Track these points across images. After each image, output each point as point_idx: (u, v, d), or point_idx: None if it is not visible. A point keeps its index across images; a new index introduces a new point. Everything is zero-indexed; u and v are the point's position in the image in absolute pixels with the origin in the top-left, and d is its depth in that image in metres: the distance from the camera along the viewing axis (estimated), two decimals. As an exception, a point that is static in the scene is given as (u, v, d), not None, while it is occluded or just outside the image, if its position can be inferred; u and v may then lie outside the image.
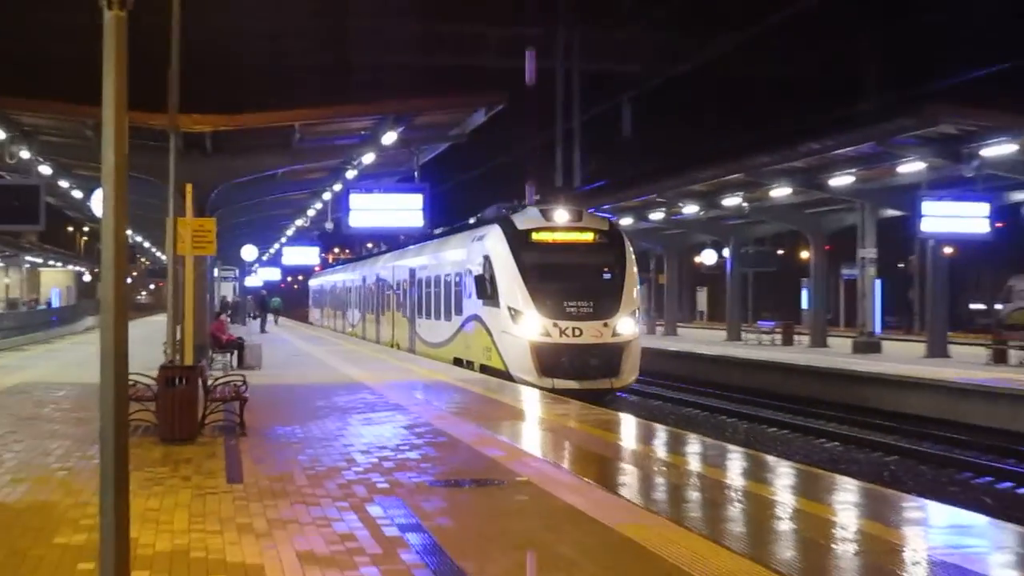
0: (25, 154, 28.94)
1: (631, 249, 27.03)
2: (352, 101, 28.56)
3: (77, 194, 37.42)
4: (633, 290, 25.93)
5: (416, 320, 36.94)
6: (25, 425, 16.68)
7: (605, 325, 24.36)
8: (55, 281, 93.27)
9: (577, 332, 24.21)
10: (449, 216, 43.06)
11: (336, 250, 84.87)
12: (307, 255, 74.19)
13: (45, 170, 30.84)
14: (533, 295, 24.44)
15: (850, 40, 45.15)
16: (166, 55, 16.85)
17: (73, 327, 61.73)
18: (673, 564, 8.19)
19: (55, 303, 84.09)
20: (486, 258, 26.29)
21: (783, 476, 13.13)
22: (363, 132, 29.72)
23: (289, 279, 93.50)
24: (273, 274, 79.63)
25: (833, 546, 8.78)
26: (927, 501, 12.16)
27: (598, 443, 15.75)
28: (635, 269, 26.99)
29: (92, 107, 7.57)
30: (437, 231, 38.53)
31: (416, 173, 36.44)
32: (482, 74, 44.38)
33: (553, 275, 25.23)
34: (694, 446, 15.51)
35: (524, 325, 24.02)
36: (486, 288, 26.11)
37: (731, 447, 15.85)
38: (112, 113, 6.71)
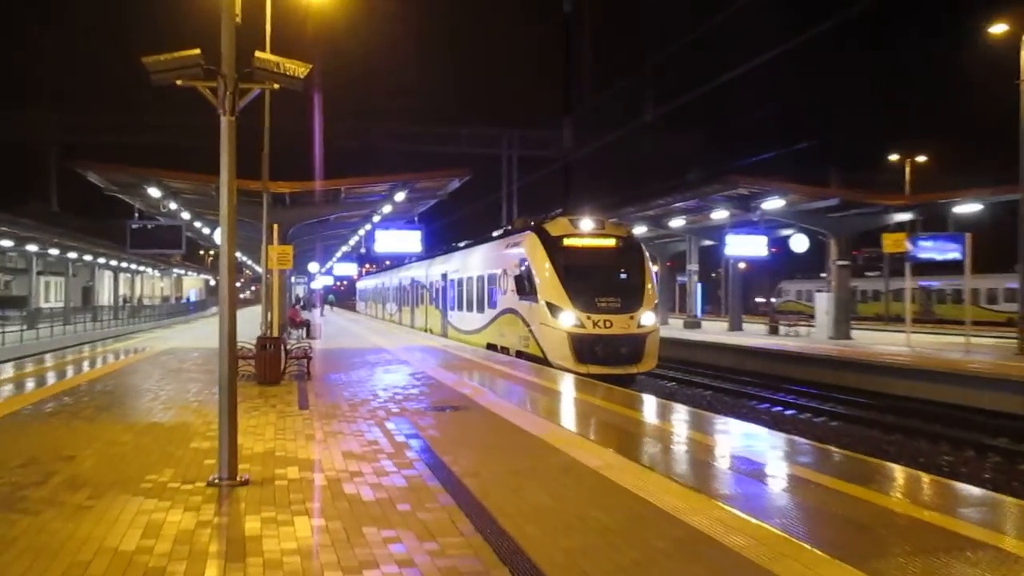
0: (173, 205, 35.77)
1: (647, 253, 26.21)
2: (375, 175, 36.49)
3: (206, 230, 45.66)
4: (652, 288, 24.85)
5: (448, 312, 36.10)
6: (172, 374, 19.24)
7: (631, 318, 23.14)
8: (192, 284, 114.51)
9: (608, 324, 22.80)
10: (439, 243, 51.88)
11: (368, 265, 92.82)
12: (349, 268, 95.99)
13: (185, 215, 37.87)
14: (568, 292, 23.20)
15: (684, 134, 63.35)
16: (261, 144, 20.34)
17: (203, 313, 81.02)
18: (567, 453, 9.95)
19: (192, 298, 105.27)
20: (523, 260, 25.07)
21: (648, 404, 14.81)
22: (383, 193, 36.65)
23: (339, 284, 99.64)
24: (328, 280, 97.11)
25: (671, 446, 10.35)
26: (731, 419, 14.10)
27: (535, 386, 17.44)
28: (653, 269, 26.32)
29: (214, 176, 9.28)
30: (461, 244, 39.40)
31: (416, 218, 45.56)
32: (456, 158, 61.13)
33: (584, 275, 23.87)
34: (599, 390, 16.61)
35: (562, 318, 22.75)
36: (524, 286, 24.75)
37: (621, 391, 16.56)
38: (226, 180, 8.61)
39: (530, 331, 24.30)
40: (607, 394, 15.57)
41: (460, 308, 33.83)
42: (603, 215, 31.35)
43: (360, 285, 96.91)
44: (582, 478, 8.59)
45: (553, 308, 23.13)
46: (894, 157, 58.26)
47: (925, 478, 9.00)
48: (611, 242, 25.04)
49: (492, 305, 28.32)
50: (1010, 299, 49.83)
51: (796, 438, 11.60)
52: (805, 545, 6.34)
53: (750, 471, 9.08)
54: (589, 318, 22.79)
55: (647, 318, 23.51)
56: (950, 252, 31.05)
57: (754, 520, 6.98)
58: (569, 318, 22.77)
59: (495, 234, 33.06)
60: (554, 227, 25.34)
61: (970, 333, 30.75)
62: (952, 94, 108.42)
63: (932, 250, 31.85)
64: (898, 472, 9.16)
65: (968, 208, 35.87)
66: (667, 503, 7.54)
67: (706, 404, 23.30)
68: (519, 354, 25.16)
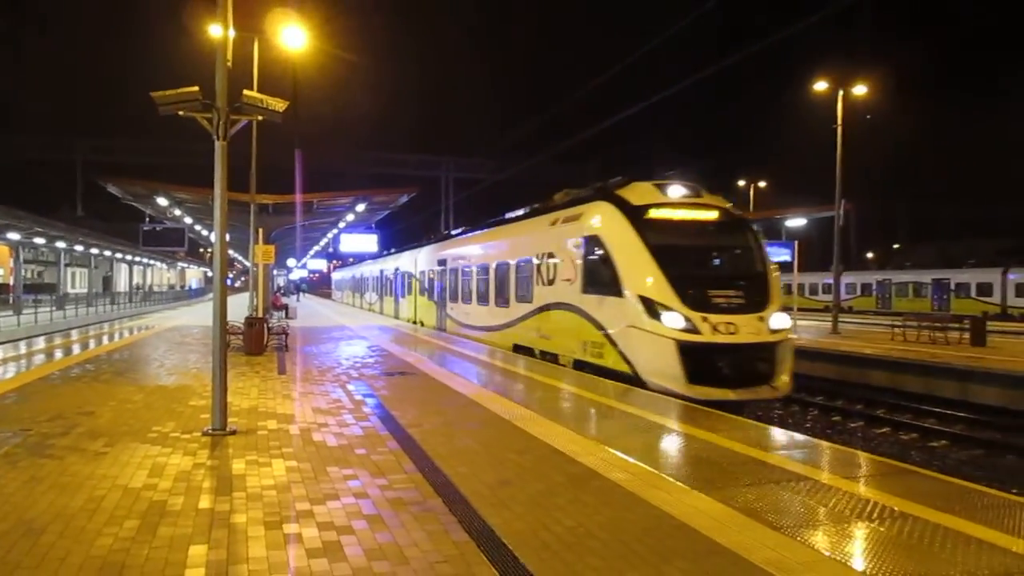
0: (177, 212, 36.31)
1: (758, 230, 15.92)
2: (341, 191, 36.98)
3: (204, 232, 46.24)
4: (777, 278, 14.73)
5: (448, 304, 25.44)
6: (176, 347, 18.74)
7: (760, 319, 13.22)
8: (193, 275, 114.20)
9: (731, 328, 13.00)
10: (392, 244, 53.26)
11: (335, 261, 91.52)
12: (321, 264, 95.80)
13: (187, 220, 38.74)
14: (672, 283, 13.27)
15: (584, 163, 64.41)
16: (249, 163, 20.28)
17: (202, 299, 76.71)
18: (489, 409, 10.01)
19: (193, 287, 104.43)
20: (592, 240, 14.86)
21: (555, 370, 14.16)
22: (347, 204, 37.04)
23: (312, 275, 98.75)
24: (303, 272, 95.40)
25: (571, 403, 8.53)
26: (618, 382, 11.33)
27: (467, 357, 17.07)
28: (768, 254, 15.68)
29: (210, 189, 9.14)
30: (456, 232, 29.29)
31: (373, 224, 49.09)
32: (405, 178, 65.04)
33: (687, 259, 14.12)
34: (519, 361, 16.22)
35: (666, 320, 12.89)
36: (597, 274, 14.57)
37: (539, 362, 15.76)
38: (219, 192, 8.46)
39: (606, 336, 14.03)
40: (527, 364, 15.49)
41: (467, 300, 23.12)
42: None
43: (336, 276, 79.89)
44: (501, 428, 8.62)
45: (651, 305, 13.11)
46: (741, 182, 59.73)
47: (765, 427, 9.09)
48: (713, 214, 14.93)
49: (523, 297, 18.06)
50: (827, 291, 51.21)
51: (665, 398, 11.21)
52: (669, 478, 6.48)
53: (632, 424, 9.18)
54: (706, 320, 12.84)
55: (779, 320, 13.42)
56: (783, 255, 31.81)
57: (632, 460, 7.09)
58: (676, 320, 12.85)
59: (518, 213, 21.73)
60: (634, 193, 14.92)
61: (796, 317, 31.34)
62: (787, 134, 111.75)
63: (769, 254, 32.35)
64: (743, 422, 9.30)
65: (796, 222, 37.27)
66: (567, 447, 7.61)
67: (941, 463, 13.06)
68: (580, 365, 14.90)
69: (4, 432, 8.09)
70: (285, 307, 34.74)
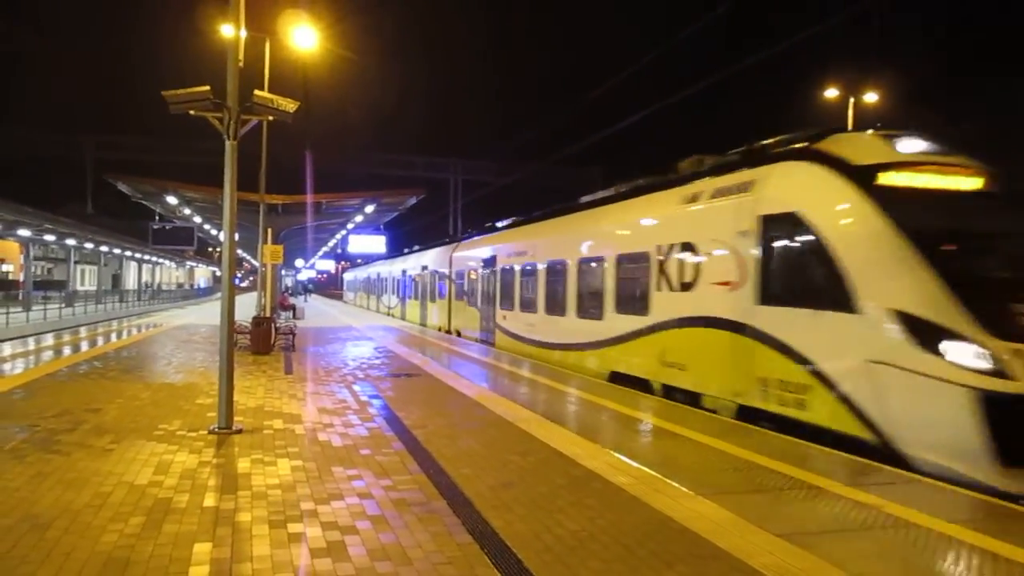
0: (187, 211, 35.99)
1: None
2: (350, 191, 35.87)
3: (213, 232, 45.76)
4: None
5: (499, 312, 20.23)
6: (183, 345, 18.81)
7: None
8: (202, 274, 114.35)
9: None
10: (401, 246, 49.68)
11: (344, 263, 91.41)
12: (329, 264, 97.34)
13: (197, 219, 38.62)
14: (956, 291, 7.48)
15: (584, 167, 59.96)
16: (259, 163, 20.78)
17: (210, 298, 75.04)
18: (494, 411, 9.95)
19: (201, 286, 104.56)
20: (787, 221, 9.39)
21: (559, 374, 12.47)
22: (356, 206, 36.55)
23: (320, 275, 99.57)
24: (311, 273, 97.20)
25: (575, 407, 8.26)
26: (625, 388, 10.22)
27: (471, 359, 16.97)
28: None
29: (219, 189, 9.18)
30: (504, 223, 22.89)
31: (381, 226, 48.56)
32: (414, 180, 62.49)
33: (968, 253, 8.37)
34: (521, 363, 16.15)
35: (951, 352, 7.17)
36: (800, 274, 9.10)
37: (541, 365, 15.10)
38: (229, 192, 8.53)
39: (814, 375, 8.68)
40: (531, 367, 15.36)
41: (528, 308, 18.02)
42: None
43: (348, 276, 73.54)
44: (505, 430, 8.63)
45: (921, 328, 7.55)
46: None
47: (768, 433, 8.90)
48: (979, 181, 9.20)
49: (631, 307, 13.07)
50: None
51: (668, 402, 11.05)
52: (672, 482, 6.47)
53: (636, 427, 9.20)
54: (1021, 354, 7.09)
55: None
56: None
57: (635, 464, 7.09)
58: (971, 353, 7.20)
59: (607, 193, 15.78)
60: (852, 149, 9.31)
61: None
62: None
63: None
64: (749, 428, 9.18)
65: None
66: (570, 450, 7.61)
67: None
68: (749, 412, 9.84)
69: (11, 427, 8.13)
70: (293, 307, 34.91)
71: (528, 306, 18.13)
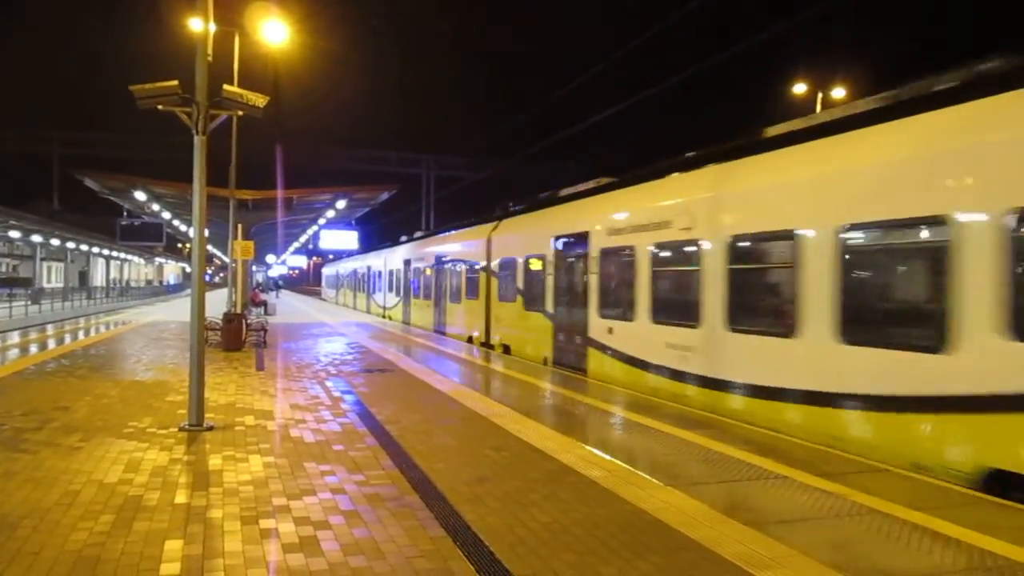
0: (156, 207, 35.74)
1: None
2: (322, 187, 36.53)
3: (183, 228, 46.22)
4: None
5: (598, 319, 13.14)
6: (153, 342, 18.71)
7: None
8: (171, 270, 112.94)
9: None
10: (374, 242, 50.39)
11: (315, 258, 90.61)
12: (301, 261, 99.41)
13: (166, 215, 38.32)
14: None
15: (564, 162, 58.36)
16: (229, 159, 20.58)
17: (180, 294, 73.58)
18: (467, 406, 10.01)
19: (171, 282, 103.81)
20: None
21: (532, 368, 11.72)
22: (328, 201, 35.85)
23: (292, 271, 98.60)
24: (283, 269, 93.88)
25: (548, 400, 8.20)
26: (597, 381, 10.00)
27: (444, 353, 16.94)
28: None
29: (189, 184, 9.07)
30: (605, 182, 15.20)
31: (353, 221, 48.26)
32: (386, 175, 59.54)
33: None
34: (494, 358, 16.20)
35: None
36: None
37: (513, 359, 15.16)
38: (199, 188, 8.48)
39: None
40: (505, 362, 15.41)
41: (674, 317, 11.02)
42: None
43: (327, 271, 64.30)
44: (478, 425, 8.65)
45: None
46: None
47: (738, 425, 8.94)
48: None
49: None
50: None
51: (640, 394, 11.07)
52: (644, 475, 6.54)
53: (608, 421, 9.26)
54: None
55: None
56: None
57: (608, 457, 7.15)
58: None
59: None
60: None
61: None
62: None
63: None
64: (717, 420, 9.18)
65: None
66: (544, 445, 7.65)
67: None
68: None
69: (-23, 426, 8.02)
70: (264, 303, 34.62)
71: (678, 313, 10.96)
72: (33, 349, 16.51)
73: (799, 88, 27.65)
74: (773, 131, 10.37)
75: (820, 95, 27.36)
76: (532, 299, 16.22)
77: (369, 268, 38.83)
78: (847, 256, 7.99)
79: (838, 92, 27.60)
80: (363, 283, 40.83)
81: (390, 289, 33.03)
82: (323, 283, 65.62)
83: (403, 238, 36.14)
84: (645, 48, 33.91)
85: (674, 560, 4.70)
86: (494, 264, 18.78)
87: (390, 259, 33.67)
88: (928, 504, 5.81)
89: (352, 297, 44.35)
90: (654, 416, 9.30)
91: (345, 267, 50.52)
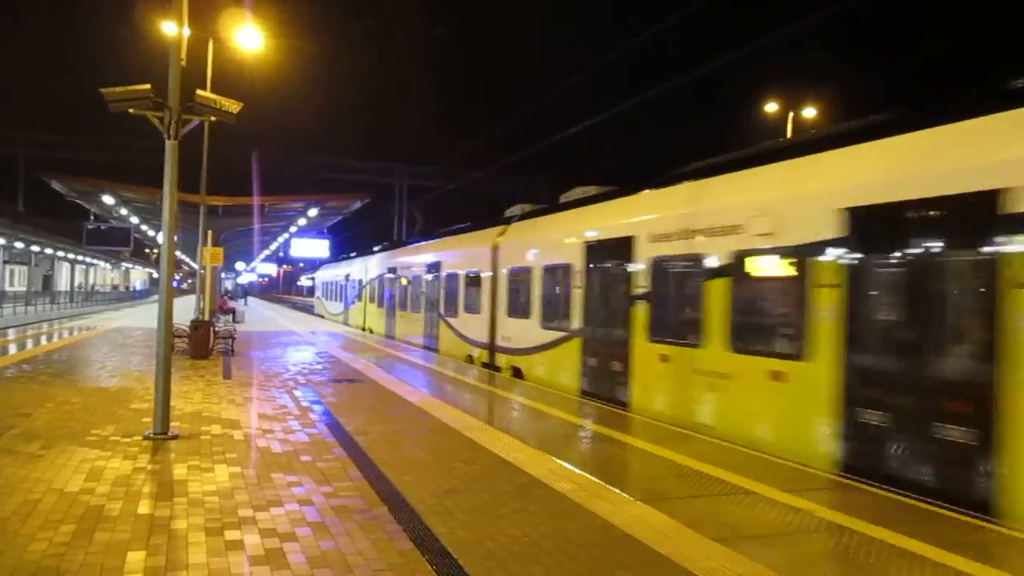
0: (124, 211, 34.39)
1: None
2: (293, 194, 35.62)
3: (151, 233, 44.07)
4: None
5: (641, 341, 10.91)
6: (118, 348, 18.31)
7: None
8: (138, 276, 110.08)
9: None
10: (346, 250, 48.78)
11: (285, 266, 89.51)
12: (271, 268, 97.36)
13: (134, 220, 37.05)
14: None
15: (537, 175, 58.45)
16: (200, 163, 20.13)
17: (146, 300, 73.11)
18: (437, 418, 10.00)
19: (138, 288, 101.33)
20: None
21: (503, 381, 11.21)
22: (299, 209, 35.21)
23: (262, 279, 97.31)
24: (252, 277, 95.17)
25: (519, 414, 8.46)
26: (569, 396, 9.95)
27: (415, 364, 16.94)
28: None
29: (159, 189, 8.97)
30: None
31: (325, 229, 46.94)
32: (357, 184, 58.45)
33: None
34: (465, 370, 15.95)
35: None
36: None
37: (486, 371, 14.17)
38: (169, 192, 8.43)
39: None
40: (477, 375, 15.36)
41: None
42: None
43: (321, 276, 49.12)
44: (448, 437, 8.61)
45: None
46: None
47: (710, 441, 8.94)
48: None
49: None
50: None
51: (613, 410, 11.05)
52: (614, 489, 6.54)
53: (579, 435, 9.25)
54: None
55: None
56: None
57: (578, 470, 7.14)
58: None
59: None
60: None
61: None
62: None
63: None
64: (689, 436, 9.21)
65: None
66: (513, 457, 7.64)
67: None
68: None
69: (-66, 433, 7.82)
70: (232, 311, 34.22)
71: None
72: (-6, 354, 16.19)
73: (771, 107, 28.07)
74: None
75: (791, 114, 27.79)
76: (552, 315, 13.80)
77: (382, 275, 29.32)
78: None
79: (809, 111, 28.08)
80: (359, 296, 33.70)
81: (405, 306, 25.03)
82: (318, 293, 51.18)
83: (406, 240, 32.06)
84: (620, 63, 34.25)
85: (644, 575, 4.71)
86: (501, 274, 16.39)
87: (399, 267, 26.39)
88: (891, 520, 5.83)
89: (361, 315, 32.92)
90: (625, 430, 9.33)
91: (335, 273, 41.51)
